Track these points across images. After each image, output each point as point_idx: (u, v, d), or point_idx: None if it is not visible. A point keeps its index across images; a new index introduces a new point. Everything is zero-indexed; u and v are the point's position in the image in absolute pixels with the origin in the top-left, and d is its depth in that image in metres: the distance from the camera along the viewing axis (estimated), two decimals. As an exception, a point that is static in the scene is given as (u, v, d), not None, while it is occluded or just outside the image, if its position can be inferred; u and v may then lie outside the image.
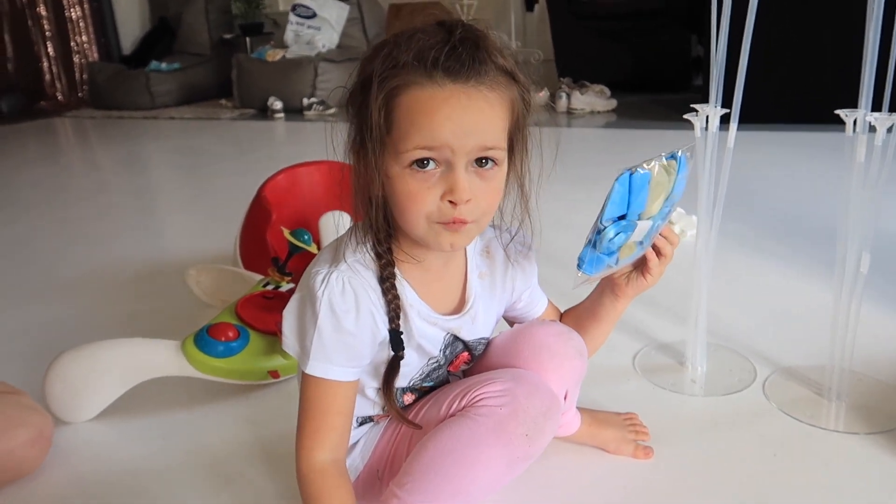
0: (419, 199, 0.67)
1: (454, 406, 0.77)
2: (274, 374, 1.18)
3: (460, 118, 0.64)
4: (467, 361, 0.85)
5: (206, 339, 1.14)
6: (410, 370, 0.80)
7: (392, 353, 0.76)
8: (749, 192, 2.11)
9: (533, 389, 0.75)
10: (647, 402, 1.09)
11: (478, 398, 0.76)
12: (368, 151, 0.68)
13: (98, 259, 1.96)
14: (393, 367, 0.76)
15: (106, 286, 1.75)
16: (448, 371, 0.85)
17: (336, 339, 0.72)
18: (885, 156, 0.94)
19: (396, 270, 0.74)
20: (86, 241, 2.17)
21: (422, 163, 0.66)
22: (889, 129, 0.93)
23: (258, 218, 1.56)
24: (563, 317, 0.93)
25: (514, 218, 0.78)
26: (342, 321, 0.71)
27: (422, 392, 0.86)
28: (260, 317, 1.22)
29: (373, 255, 0.74)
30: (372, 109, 0.66)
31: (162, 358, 1.12)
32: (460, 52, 0.64)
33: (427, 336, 0.77)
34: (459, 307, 0.80)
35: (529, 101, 0.72)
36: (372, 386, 0.80)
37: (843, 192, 1.00)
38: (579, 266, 0.77)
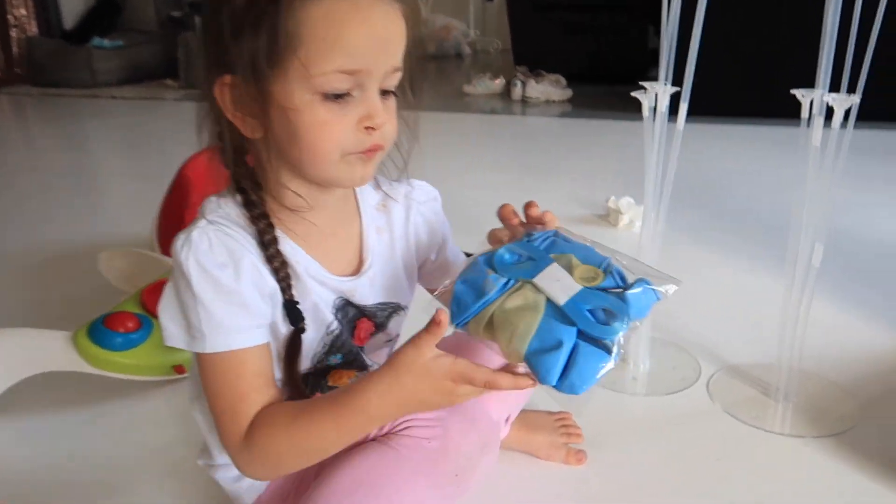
0: (335, 129, 0.58)
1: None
2: (179, 369, 1.06)
3: (380, 31, 0.57)
4: (373, 333, 0.73)
5: (102, 331, 1.02)
6: (310, 343, 0.67)
7: (291, 327, 0.64)
8: (700, 184, 2.06)
9: (469, 425, 0.66)
10: (585, 402, 1.01)
11: (404, 424, 0.67)
12: (260, 75, 0.56)
13: (13, 242, 1.81)
14: (294, 344, 0.65)
15: (15, 271, 1.60)
16: (357, 347, 0.72)
17: (222, 301, 0.60)
18: (842, 140, 0.87)
19: (278, 230, 0.64)
20: (5, 222, 2.01)
21: (336, 92, 0.57)
22: (846, 113, 0.87)
23: (178, 199, 1.43)
24: None
25: (394, 164, 0.69)
26: (220, 279, 0.60)
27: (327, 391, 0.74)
28: (168, 305, 1.10)
29: (243, 210, 0.63)
30: (266, 23, 0.55)
31: (51, 351, 1.00)
32: None
33: (319, 297, 0.66)
34: (357, 268, 0.70)
35: (419, 18, 0.64)
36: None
37: (797, 184, 0.93)
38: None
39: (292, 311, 0.64)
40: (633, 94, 1.01)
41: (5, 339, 1.02)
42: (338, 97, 0.57)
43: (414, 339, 0.56)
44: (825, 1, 0.87)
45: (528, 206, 0.69)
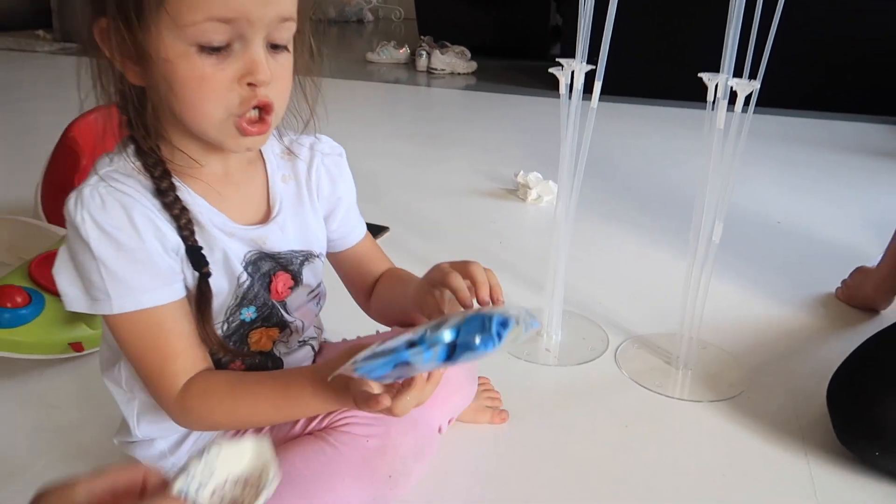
0: (213, 84, 0.54)
1: (313, 421, 0.66)
2: (77, 346, 1.00)
3: None
4: (292, 287, 0.70)
5: (-14, 306, 0.93)
6: (223, 297, 0.65)
7: (197, 273, 0.61)
8: (609, 161, 2.13)
9: (409, 426, 0.65)
10: (501, 371, 1.04)
11: (343, 420, 0.66)
12: (132, 24, 0.53)
13: None
14: (203, 292, 0.62)
15: None
16: (274, 301, 0.69)
17: (123, 259, 0.57)
18: (744, 123, 0.93)
19: (174, 177, 0.60)
20: None
21: (212, 44, 0.53)
22: (748, 98, 0.92)
23: (65, 163, 1.32)
24: (382, 278, 0.79)
25: (299, 117, 0.66)
26: (119, 238, 0.57)
27: (255, 362, 0.71)
28: (60, 279, 1.02)
29: (135, 161, 0.59)
30: None
31: (-77, 329, 0.91)
32: None
33: (228, 249, 0.64)
34: (266, 216, 0.67)
35: None
36: None
37: (700, 167, 0.99)
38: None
39: (195, 255, 0.61)
40: (551, 70, 1.02)
41: None
42: (215, 50, 0.54)
43: (349, 386, 0.54)
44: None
45: (480, 289, 0.64)
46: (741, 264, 1.44)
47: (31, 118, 2.55)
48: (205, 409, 0.61)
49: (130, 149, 0.60)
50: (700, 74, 0.94)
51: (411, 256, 1.42)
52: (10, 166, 1.96)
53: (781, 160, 2.27)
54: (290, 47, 0.59)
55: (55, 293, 0.99)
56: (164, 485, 0.42)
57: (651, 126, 2.77)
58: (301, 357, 0.75)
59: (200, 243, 0.61)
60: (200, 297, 0.62)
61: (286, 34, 0.57)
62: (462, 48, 3.79)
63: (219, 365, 0.66)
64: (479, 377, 0.94)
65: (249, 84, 0.55)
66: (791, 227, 1.70)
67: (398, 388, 0.54)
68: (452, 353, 0.50)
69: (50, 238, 1.22)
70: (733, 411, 0.98)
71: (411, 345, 0.50)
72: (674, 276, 1.15)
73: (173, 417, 0.63)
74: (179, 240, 0.60)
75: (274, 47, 0.57)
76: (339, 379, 0.54)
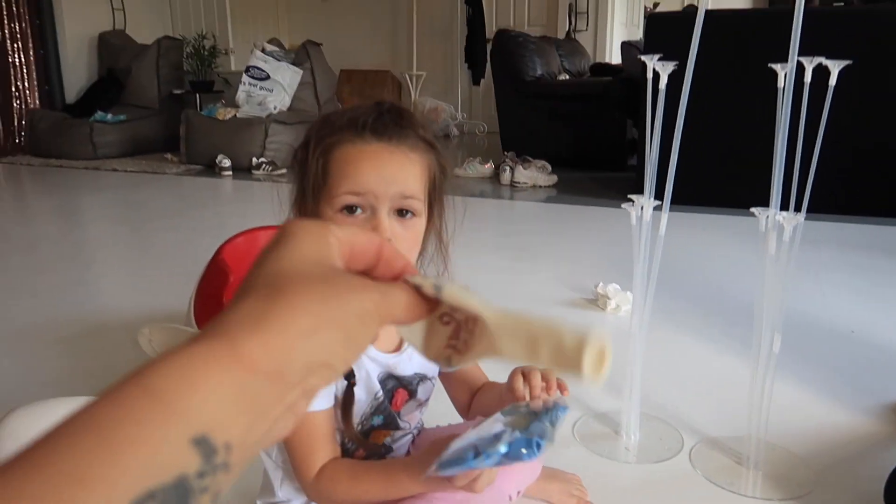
0: None
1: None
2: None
3: (382, 167, 0.76)
4: (407, 400, 0.90)
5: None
6: (360, 405, 0.85)
7: (346, 382, 0.82)
8: (676, 271, 2.27)
9: (486, 491, 0.79)
10: (585, 468, 1.17)
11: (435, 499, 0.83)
12: (307, 200, 0.79)
13: (42, 312, 1.94)
14: (348, 396, 0.83)
15: (50, 341, 1.73)
16: (394, 411, 0.89)
17: None
18: (791, 250, 1.07)
19: None
20: (28, 293, 2.14)
21: (351, 209, 0.76)
22: (795, 227, 1.07)
23: (216, 278, 1.59)
24: (479, 391, 0.98)
25: (434, 266, 0.87)
26: None
27: (373, 450, 0.91)
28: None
29: None
30: (311, 162, 0.79)
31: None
32: (385, 119, 0.78)
33: (369, 370, 0.85)
34: (398, 346, 0.88)
35: (445, 168, 0.84)
36: None
37: (759, 276, 1.13)
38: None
39: (348, 370, 0.81)
40: (623, 206, 1.21)
41: (78, 405, 1.15)
42: (349, 210, 0.77)
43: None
44: (775, 129, 1.09)
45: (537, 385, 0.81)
46: (809, 369, 1.52)
47: (161, 235, 2.94)
48: (332, 489, 0.81)
49: None
50: (752, 209, 1.10)
51: (497, 361, 1.58)
52: (151, 278, 2.29)
53: (836, 267, 2.34)
54: (421, 214, 0.80)
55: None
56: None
57: (715, 234, 2.89)
58: (404, 442, 0.95)
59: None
60: (346, 401, 0.83)
61: (411, 205, 0.78)
62: (543, 162, 4.05)
63: (346, 451, 0.87)
64: (571, 475, 1.10)
65: None
66: (861, 334, 1.76)
67: (476, 475, 0.71)
68: (507, 455, 0.68)
69: (201, 343, 1.47)
70: (803, 510, 1.07)
71: (477, 454, 0.68)
72: (742, 381, 1.26)
73: (308, 495, 0.83)
74: None
75: (401, 216, 0.78)
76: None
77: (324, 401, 0.81)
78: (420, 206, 0.79)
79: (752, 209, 1.10)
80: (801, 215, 1.06)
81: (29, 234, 3.03)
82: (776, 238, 1.09)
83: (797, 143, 1.10)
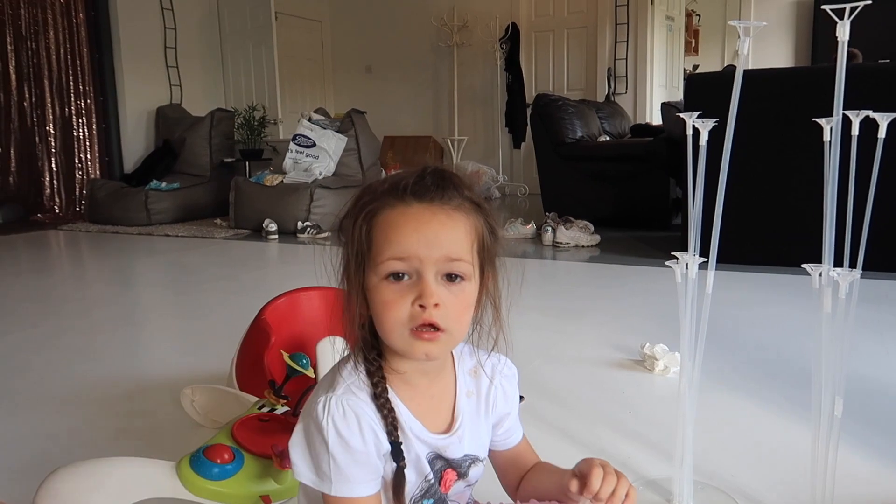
0: (393, 305, 0.74)
1: None
2: (266, 499, 1.18)
3: (425, 230, 0.74)
4: (456, 480, 0.87)
5: (202, 461, 1.15)
6: (410, 486, 0.82)
7: (395, 464, 0.79)
8: (726, 331, 2.20)
9: None
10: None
11: None
12: (354, 270, 0.77)
13: (91, 373, 1.97)
14: (399, 478, 0.79)
15: (98, 401, 1.75)
16: (444, 494, 0.86)
17: (349, 459, 0.76)
18: (849, 308, 1.02)
19: (388, 387, 0.80)
20: (78, 354, 2.18)
21: (396, 275, 0.74)
22: (851, 284, 1.03)
23: (257, 340, 1.60)
24: (530, 471, 0.94)
25: (490, 337, 0.84)
26: (350, 443, 0.76)
27: None
28: (255, 439, 1.23)
29: (365, 374, 0.80)
30: (354, 230, 0.77)
31: (157, 478, 1.13)
32: (427, 181, 0.76)
33: (419, 451, 0.82)
34: (449, 426, 0.85)
35: (495, 228, 0.80)
36: None
37: (815, 336, 1.08)
38: None
39: (396, 450, 0.79)
40: (668, 263, 1.18)
41: (116, 467, 1.15)
42: (395, 278, 0.74)
43: None
44: (823, 185, 1.06)
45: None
46: (877, 438, 1.43)
47: (211, 297, 2.99)
48: None
49: (362, 365, 0.80)
50: (804, 266, 1.07)
51: (543, 423, 1.54)
52: (198, 340, 2.32)
53: None
54: (470, 278, 0.77)
55: (252, 452, 1.21)
56: None
57: (766, 293, 2.80)
58: None
59: (401, 440, 0.80)
60: (397, 484, 0.80)
61: (457, 268, 0.75)
62: (585, 223, 4.04)
63: None
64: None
65: (421, 306, 0.74)
66: (936, 399, 1.66)
67: None
68: None
69: (243, 404, 1.47)
70: (877, 591, 0.98)
71: None
72: (803, 447, 1.19)
73: None
74: (388, 445, 0.79)
75: (449, 280, 0.75)
76: None
77: (370, 485, 0.79)
78: (468, 268, 0.76)
79: (805, 265, 1.06)
80: (857, 272, 1.01)
81: (83, 297, 3.13)
82: (832, 295, 1.05)
83: (847, 199, 1.06)
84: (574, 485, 0.78)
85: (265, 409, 1.35)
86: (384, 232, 0.75)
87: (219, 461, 1.16)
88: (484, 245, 0.79)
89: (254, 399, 1.45)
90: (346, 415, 0.77)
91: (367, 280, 0.77)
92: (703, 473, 1.29)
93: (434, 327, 0.75)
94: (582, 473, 0.79)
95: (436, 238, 0.74)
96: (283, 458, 1.13)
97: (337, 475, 0.77)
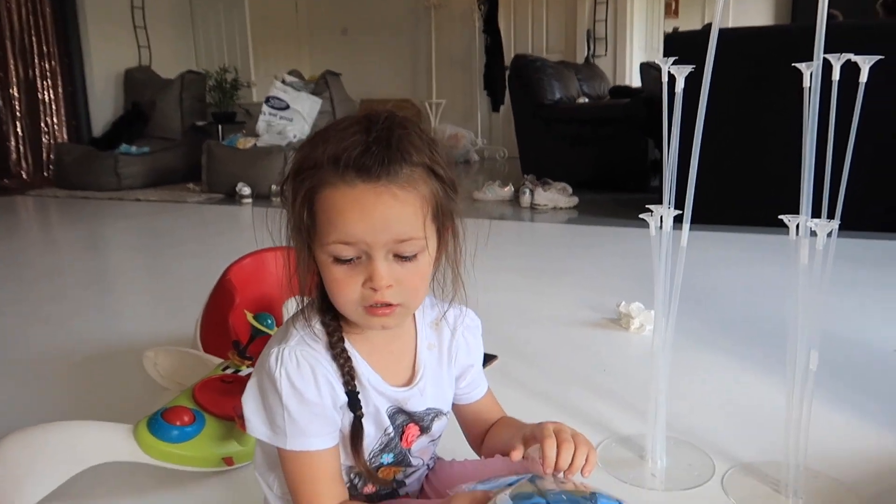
0: (343, 286, 0.71)
1: None
2: (228, 460, 1.15)
3: (370, 216, 0.68)
4: (419, 436, 0.83)
5: (160, 424, 1.11)
6: (369, 441, 0.79)
7: (353, 415, 0.75)
8: (703, 290, 2.18)
9: None
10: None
11: None
12: (298, 239, 0.72)
13: (53, 340, 1.91)
14: (356, 429, 0.76)
15: (59, 367, 1.69)
16: (405, 449, 0.82)
17: (304, 411, 0.72)
18: (826, 258, 1.00)
19: (346, 340, 0.76)
20: (40, 321, 2.12)
21: (342, 257, 0.70)
22: (829, 234, 1.00)
23: (221, 301, 1.55)
24: (494, 425, 0.89)
25: (451, 291, 0.79)
26: (305, 394, 0.72)
27: (383, 485, 0.84)
28: (218, 401, 1.19)
29: (320, 327, 0.76)
30: (295, 206, 0.71)
31: (113, 442, 1.09)
32: (373, 152, 0.68)
33: (378, 404, 0.78)
34: (410, 379, 0.81)
35: (449, 188, 0.74)
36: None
37: (790, 290, 1.05)
38: None
39: (353, 400, 0.75)
40: (641, 216, 1.14)
41: (69, 431, 1.11)
42: (345, 261, 0.70)
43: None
44: (802, 137, 1.03)
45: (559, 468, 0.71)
46: (849, 391, 1.43)
47: (181, 262, 2.92)
48: None
49: (316, 318, 0.76)
50: (781, 216, 1.03)
51: (517, 383, 1.52)
52: (167, 304, 2.26)
53: (875, 284, 2.23)
54: (423, 256, 0.71)
55: (214, 414, 1.17)
56: None
57: (740, 253, 2.79)
58: (417, 477, 0.87)
59: (358, 390, 0.76)
60: (354, 434, 0.76)
61: (409, 249, 0.70)
62: (563, 184, 4.00)
63: (353, 488, 0.81)
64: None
65: (372, 288, 0.70)
66: (908, 354, 1.66)
67: None
68: None
69: (207, 366, 1.42)
70: (848, 543, 0.97)
71: None
72: (777, 403, 1.17)
73: None
74: (344, 396, 0.75)
75: (402, 258, 0.70)
76: None
77: (326, 439, 0.75)
78: (420, 244, 0.71)
79: (783, 216, 1.02)
80: (835, 221, 0.98)
81: (51, 263, 3.04)
82: (809, 247, 1.01)
83: (826, 152, 1.02)
84: (517, 453, 0.73)
85: (229, 371, 1.31)
86: (327, 214, 0.69)
87: (178, 423, 1.12)
88: (439, 210, 0.73)
89: (218, 361, 1.40)
90: (300, 366, 0.73)
91: (315, 253, 0.72)
92: (676, 430, 1.27)
93: (388, 305, 0.71)
94: (535, 439, 0.74)
95: (383, 222, 0.68)
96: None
97: (292, 429, 0.73)
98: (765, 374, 1.55)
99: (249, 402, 0.75)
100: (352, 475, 0.81)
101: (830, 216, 0.99)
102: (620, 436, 1.29)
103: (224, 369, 1.31)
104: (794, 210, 1.04)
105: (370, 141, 0.68)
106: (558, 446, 0.71)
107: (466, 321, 0.86)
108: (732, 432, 1.29)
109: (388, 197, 0.68)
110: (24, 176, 5.91)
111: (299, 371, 0.72)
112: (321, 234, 0.70)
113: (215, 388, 1.23)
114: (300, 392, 0.72)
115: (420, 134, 0.72)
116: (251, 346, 1.36)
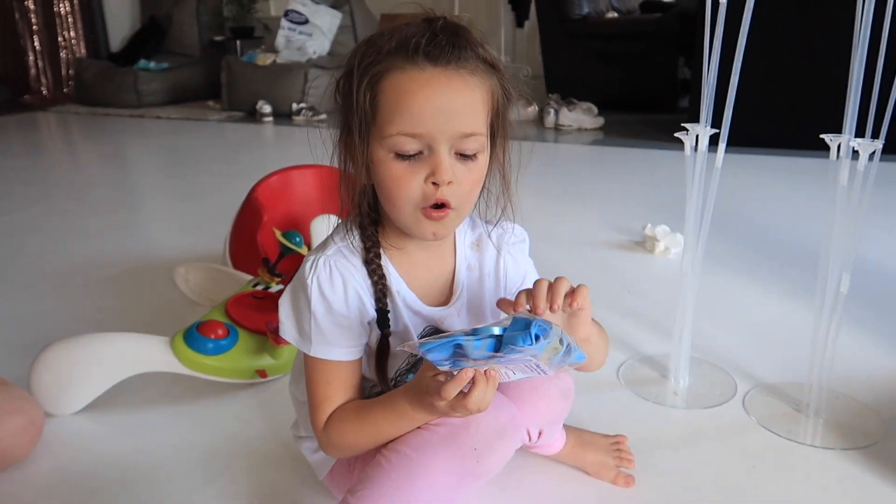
0: (404, 183, 0.69)
1: None
2: (262, 373, 1.18)
3: (440, 101, 0.66)
4: None
5: (196, 337, 1.14)
6: (396, 360, 0.80)
7: (380, 332, 0.77)
8: (734, 213, 2.15)
9: (492, 409, 0.69)
10: (630, 413, 1.12)
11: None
12: (355, 138, 0.70)
13: (87, 253, 1.95)
14: (383, 348, 0.77)
15: (94, 280, 1.74)
16: None
17: (330, 321, 0.74)
18: (867, 180, 0.97)
19: (383, 254, 0.76)
20: (75, 235, 2.16)
21: (404, 152, 0.67)
22: (871, 155, 0.97)
23: (249, 218, 1.56)
24: None
25: (498, 207, 0.79)
26: (332, 304, 0.73)
27: None
28: (249, 316, 1.22)
29: (359, 240, 0.76)
30: (357, 94, 0.68)
31: (151, 353, 1.12)
32: (441, 39, 0.67)
33: (410, 323, 0.78)
34: (447, 299, 0.81)
35: (510, 91, 0.73)
36: (364, 376, 0.81)
37: (826, 216, 1.03)
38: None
39: (383, 318, 0.76)
40: (676, 134, 1.11)
41: (110, 341, 1.15)
42: (408, 157, 0.68)
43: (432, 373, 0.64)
44: (851, 50, 0.98)
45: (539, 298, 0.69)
46: (875, 317, 1.42)
47: (204, 180, 2.93)
48: (339, 432, 0.76)
49: (356, 231, 0.76)
50: (822, 136, 1.00)
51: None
52: (194, 221, 2.29)
53: None
54: (483, 156, 0.71)
55: (247, 328, 1.20)
56: None
57: (774, 176, 2.74)
58: None
59: (390, 315, 0.76)
60: (380, 353, 0.78)
61: (472, 146, 0.69)
62: (589, 104, 3.90)
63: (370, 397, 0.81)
64: (616, 436, 1.00)
65: (434, 184, 0.68)
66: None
67: (469, 390, 0.62)
68: (500, 346, 0.59)
69: (237, 282, 1.45)
70: (868, 460, 0.99)
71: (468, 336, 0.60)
72: (802, 326, 1.18)
73: (319, 443, 0.79)
74: (374, 312, 0.75)
75: (462, 156, 0.69)
76: (420, 386, 0.67)
77: (349, 351, 0.76)
78: (482, 141, 0.69)
79: (824, 136, 0.99)
80: (880, 141, 0.95)
81: (80, 181, 3.07)
82: (850, 168, 0.99)
83: (875, 70, 0.98)
84: (504, 301, 0.71)
85: (259, 287, 1.33)
86: (393, 100, 0.66)
87: (213, 336, 1.15)
88: (498, 111, 0.72)
89: (247, 277, 1.42)
90: (332, 276, 0.73)
91: (371, 150, 0.70)
92: (700, 351, 1.28)
93: (445, 205, 0.70)
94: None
95: (452, 109, 0.66)
96: (277, 335, 1.12)
97: (317, 335, 0.74)
98: (791, 297, 1.55)
99: (284, 304, 0.77)
100: (374, 393, 0.81)
101: (875, 134, 0.96)
102: (643, 355, 1.31)
103: (254, 286, 1.33)
104: (836, 132, 1.00)
105: (437, 30, 0.67)
106: (540, 283, 0.70)
107: (511, 238, 0.84)
108: (756, 353, 1.31)
109: (459, 81, 0.67)
110: (45, 92, 5.89)
111: (331, 280, 0.73)
112: (383, 126, 0.68)
113: (247, 303, 1.26)
114: (328, 301, 0.73)
115: (479, 34, 0.71)
116: (280, 264, 1.38)
